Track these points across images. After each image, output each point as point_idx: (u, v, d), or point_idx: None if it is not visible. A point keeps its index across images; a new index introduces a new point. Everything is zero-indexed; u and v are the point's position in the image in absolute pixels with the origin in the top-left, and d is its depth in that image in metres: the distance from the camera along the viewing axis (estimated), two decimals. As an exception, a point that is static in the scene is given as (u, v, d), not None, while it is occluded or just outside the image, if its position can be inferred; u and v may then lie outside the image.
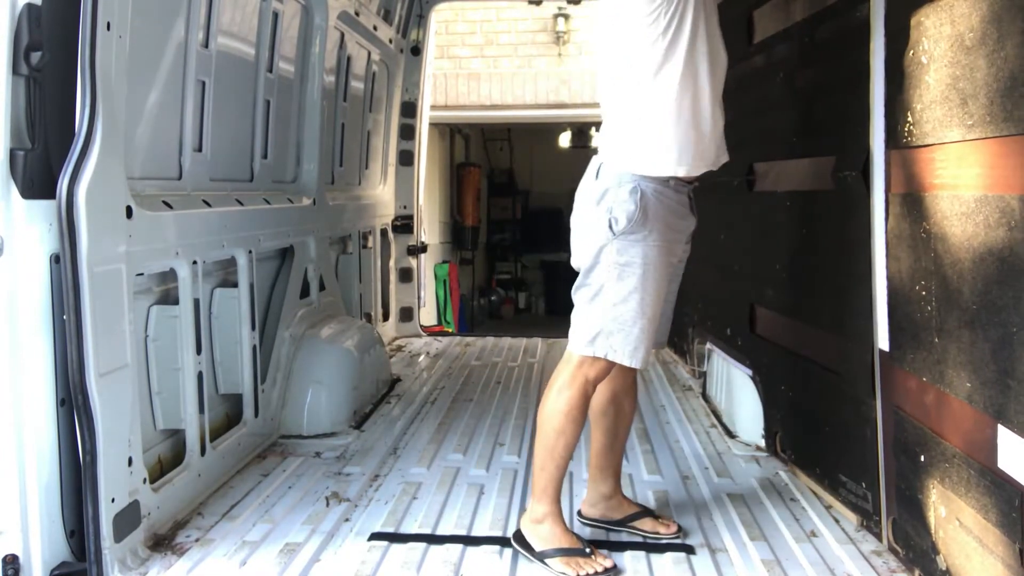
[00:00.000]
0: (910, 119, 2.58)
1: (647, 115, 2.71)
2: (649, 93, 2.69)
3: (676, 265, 2.91)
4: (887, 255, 2.74)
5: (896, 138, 2.67)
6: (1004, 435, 2.12)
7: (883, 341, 2.79)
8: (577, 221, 2.81)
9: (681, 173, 2.73)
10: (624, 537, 3.01)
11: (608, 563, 2.75)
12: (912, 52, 2.56)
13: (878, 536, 2.92)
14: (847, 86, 3.00)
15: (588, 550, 2.77)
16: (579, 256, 2.79)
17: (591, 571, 2.70)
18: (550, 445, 2.80)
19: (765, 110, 3.78)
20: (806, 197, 3.44)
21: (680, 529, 3.05)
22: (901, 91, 2.63)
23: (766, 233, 3.83)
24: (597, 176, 2.76)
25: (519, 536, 2.85)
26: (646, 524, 3.04)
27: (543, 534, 2.79)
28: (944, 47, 2.38)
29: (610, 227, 2.68)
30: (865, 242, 2.87)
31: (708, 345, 4.90)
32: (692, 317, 5.30)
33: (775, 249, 3.71)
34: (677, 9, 2.63)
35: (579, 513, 3.15)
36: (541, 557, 2.76)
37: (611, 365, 2.77)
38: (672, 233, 2.78)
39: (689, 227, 2.90)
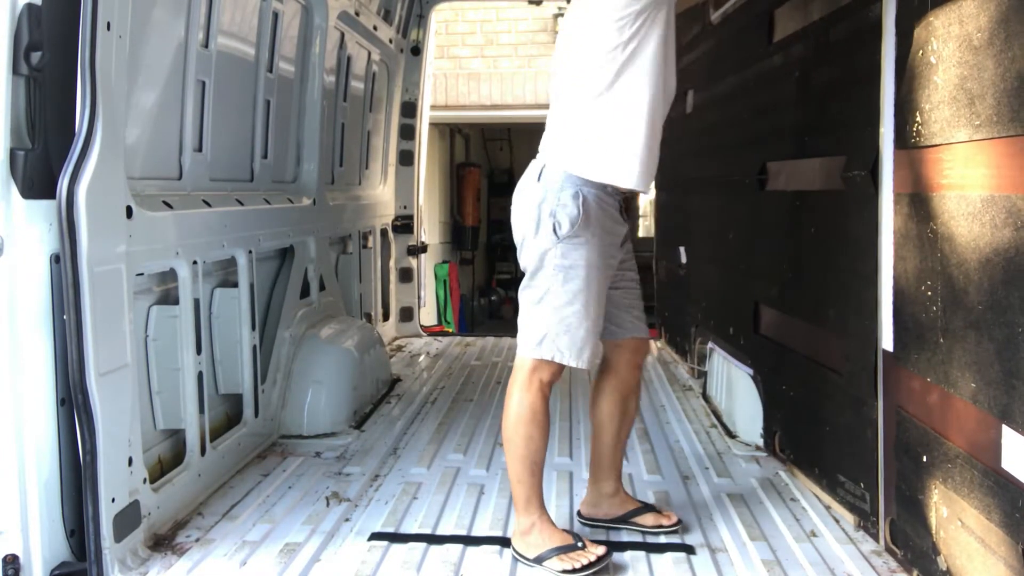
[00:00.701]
0: (918, 119, 2.57)
1: (598, 122, 2.74)
2: (603, 101, 2.72)
3: (615, 268, 2.92)
4: (894, 255, 2.73)
5: (905, 138, 2.67)
6: (1008, 435, 2.12)
7: (887, 341, 2.79)
8: (519, 223, 2.83)
9: (627, 183, 2.77)
10: (624, 537, 3.01)
11: (601, 550, 2.77)
12: (921, 52, 2.56)
13: (875, 536, 2.92)
14: (858, 86, 3.00)
15: (580, 543, 2.79)
16: (524, 258, 2.82)
17: (587, 561, 2.72)
18: (522, 454, 2.81)
19: (778, 109, 3.78)
20: (815, 197, 3.44)
21: (680, 521, 3.08)
22: (910, 91, 2.63)
23: (774, 232, 3.83)
24: (539, 179, 2.78)
25: (515, 552, 2.85)
26: (648, 519, 3.06)
27: (534, 542, 2.80)
28: (952, 47, 2.38)
29: (554, 231, 2.71)
30: (872, 242, 2.87)
31: (709, 344, 4.90)
32: (695, 316, 5.30)
33: (782, 248, 3.71)
34: (644, 23, 2.67)
35: (579, 514, 3.16)
36: (539, 561, 2.77)
37: (561, 367, 2.80)
38: (610, 237, 2.82)
39: (623, 231, 2.92)
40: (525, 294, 2.82)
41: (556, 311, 2.74)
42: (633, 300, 3.03)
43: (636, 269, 3.07)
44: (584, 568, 2.71)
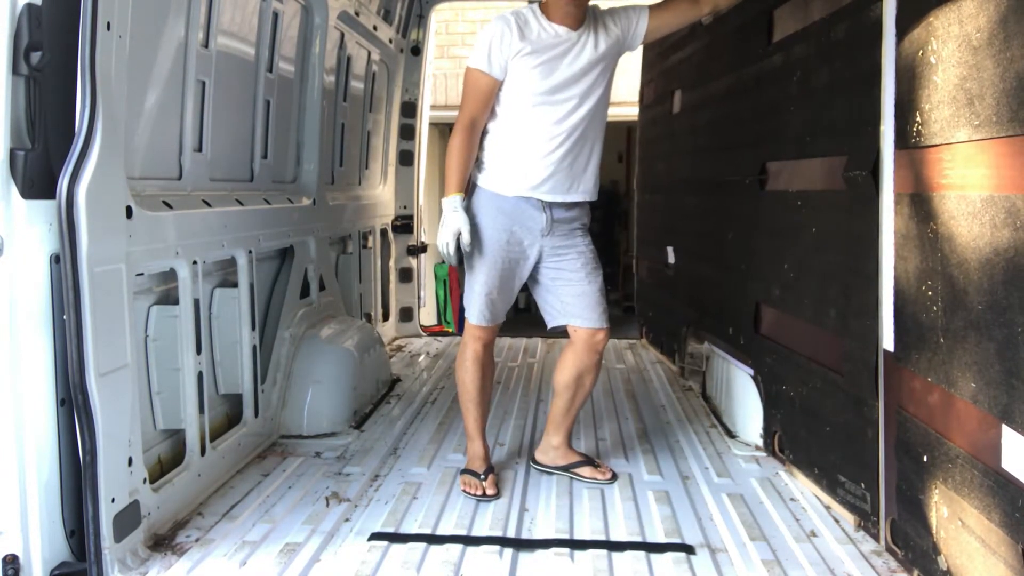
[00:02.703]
0: (919, 119, 2.57)
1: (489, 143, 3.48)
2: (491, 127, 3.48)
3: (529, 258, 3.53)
4: (895, 255, 2.73)
5: (905, 138, 2.67)
6: (1009, 436, 2.12)
7: (888, 341, 2.79)
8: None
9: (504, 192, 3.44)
10: (624, 537, 3.01)
11: (491, 491, 3.40)
12: (921, 52, 2.56)
13: (875, 536, 2.92)
14: (858, 86, 3.00)
15: (484, 477, 3.46)
16: None
17: (472, 491, 3.40)
18: (461, 394, 3.62)
19: (779, 109, 3.78)
20: (816, 197, 3.43)
21: (614, 475, 3.61)
22: (910, 91, 2.63)
23: (775, 233, 3.83)
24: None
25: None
26: (585, 471, 3.60)
27: (466, 452, 3.62)
28: (952, 47, 2.38)
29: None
30: (873, 242, 2.87)
31: (706, 344, 4.90)
32: (687, 316, 5.29)
33: (783, 249, 3.71)
34: (511, 87, 3.41)
35: (532, 459, 3.76)
36: (460, 470, 3.58)
37: (474, 325, 3.65)
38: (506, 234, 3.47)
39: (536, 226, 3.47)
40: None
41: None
42: (578, 284, 3.54)
43: (590, 265, 3.56)
44: (467, 493, 3.41)
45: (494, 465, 3.61)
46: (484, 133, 3.48)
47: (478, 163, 3.48)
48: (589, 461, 3.66)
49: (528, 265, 3.53)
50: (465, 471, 3.53)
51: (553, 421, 3.68)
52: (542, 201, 3.42)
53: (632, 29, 3.46)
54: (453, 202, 3.37)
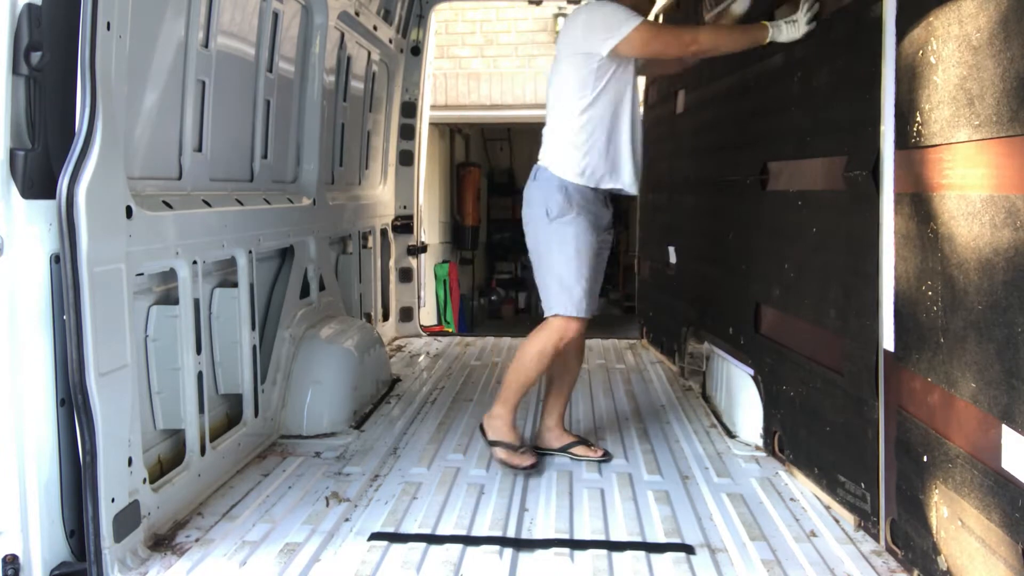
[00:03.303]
0: (919, 119, 2.57)
1: (575, 136, 3.56)
2: (579, 121, 3.55)
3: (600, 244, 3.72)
4: (895, 255, 2.73)
5: (905, 138, 2.67)
6: (1009, 436, 2.12)
7: (888, 341, 2.79)
8: (524, 213, 3.71)
9: (591, 184, 3.60)
10: (624, 537, 3.01)
11: (529, 460, 3.66)
12: (921, 52, 2.56)
13: (875, 537, 2.92)
14: (858, 86, 3.00)
15: (522, 448, 3.69)
16: (528, 239, 3.71)
17: (517, 463, 3.64)
18: (524, 379, 3.70)
19: (779, 109, 3.78)
20: (816, 197, 3.44)
21: (607, 454, 3.86)
22: (910, 91, 2.62)
23: (775, 232, 3.83)
24: (534, 178, 3.67)
25: (481, 426, 3.79)
26: (579, 451, 3.87)
27: (496, 428, 3.71)
28: (952, 47, 2.38)
29: (547, 215, 3.57)
30: (873, 242, 2.87)
31: (706, 344, 4.90)
32: (687, 316, 5.29)
33: (784, 249, 3.71)
34: (609, 77, 3.53)
35: (533, 445, 3.91)
36: (492, 444, 3.71)
37: (570, 318, 3.61)
38: (593, 218, 3.63)
39: (607, 216, 3.74)
40: (535, 268, 3.68)
41: (555, 276, 3.58)
42: (600, 274, 3.79)
43: (606, 259, 3.84)
44: (511, 466, 3.64)
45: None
46: (570, 121, 3.58)
47: (563, 153, 3.60)
48: (583, 441, 3.94)
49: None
50: (507, 444, 3.69)
51: (547, 405, 3.99)
52: (609, 195, 3.74)
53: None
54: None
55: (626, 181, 3.64)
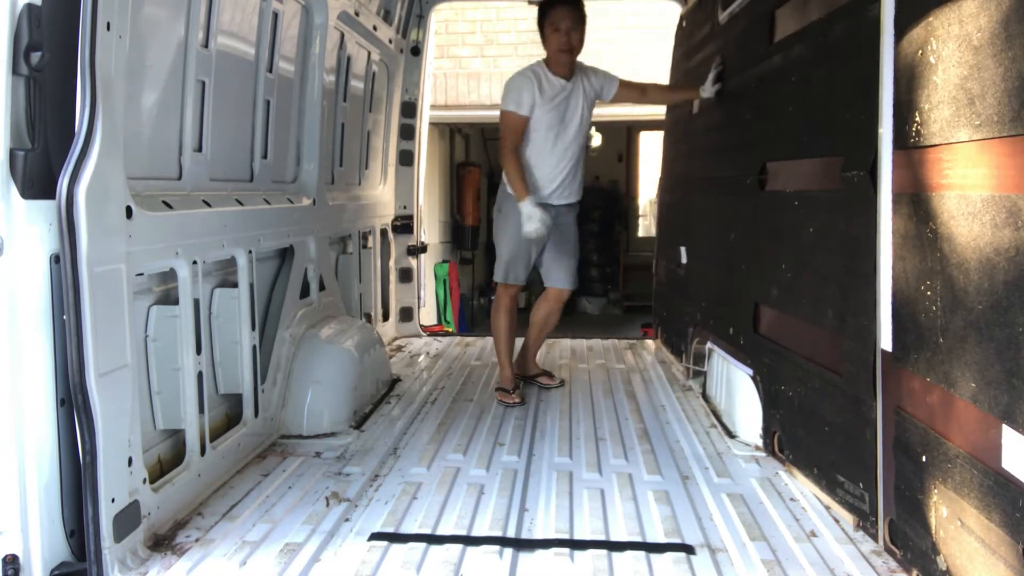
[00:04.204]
0: (918, 119, 2.57)
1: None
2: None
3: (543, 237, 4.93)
4: (893, 255, 2.73)
5: (904, 138, 2.66)
6: (1009, 435, 2.12)
7: (886, 341, 2.79)
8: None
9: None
10: (624, 537, 3.02)
11: (516, 399, 4.86)
12: (920, 52, 2.56)
13: (874, 537, 2.92)
14: (857, 86, 3.00)
15: (515, 390, 4.95)
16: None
17: (506, 401, 4.86)
18: (497, 334, 5.15)
19: (779, 109, 3.79)
20: (814, 197, 3.44)
21: (563, 383, 5.32)
22: (909, 91, 2.62)
23: (774, 233, 3.83)
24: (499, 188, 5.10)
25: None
26: (542, 379, 5.30)
27: (500, 377, 5.12)
28: (952, 47, 2.38)
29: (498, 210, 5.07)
30: (871, 242, 2.87)
31: (708, 344, 4.90)
32: (693, 317, 5.30)
33: (782, 249, 3.71)
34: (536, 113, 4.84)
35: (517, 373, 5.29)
36: (495, 387, 5.03)
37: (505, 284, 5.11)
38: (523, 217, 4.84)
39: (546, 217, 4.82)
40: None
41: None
42: (560, 259, 5.11)
43: (572, 241, 5.15)
44: (500, 401, 4.87)
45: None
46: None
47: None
48: (546, 372, 5.38)
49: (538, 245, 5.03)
50: (501, 389, 4.97)
51: (527, 343, 5.36)
52: (550, 204, 4.93)
53: (605, 88, 5.03)
54: (531, 202, 4.74)
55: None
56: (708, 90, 4.86)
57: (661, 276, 6.81)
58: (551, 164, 4.86)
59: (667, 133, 6.84)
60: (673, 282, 6.15)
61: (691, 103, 5.49)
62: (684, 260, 5.69)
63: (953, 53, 2.38)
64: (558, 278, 5.16)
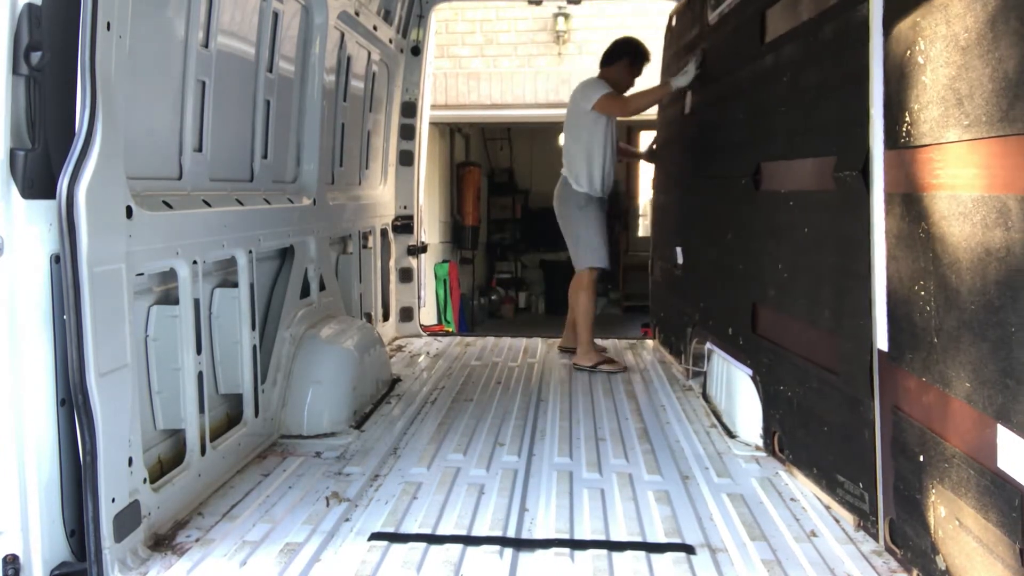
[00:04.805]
0: (908, 119, 2.58)
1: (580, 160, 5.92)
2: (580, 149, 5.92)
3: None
4: (887, 255, 2.74)
5: (895, 138, 2.67)
6: (1004, 435, 2.12)
7: (882, 341, 2.79)
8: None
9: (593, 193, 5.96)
10: (624, 537, 3.02)
11: (623, 365, 5.77)
12: (909, 52, 2.56)
13: (874, 536, 2.92)
14: (847, 86, 3.00)
15: (614, 358, 5.85)
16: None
17: (615, 369, 5.68)
18: (587, 315, 5.91)
19: (772, 110, 3.79)
20: (808, 197, 3.44)
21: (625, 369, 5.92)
22: (899, 91, 2.63)
23: (770, 233, 3.84)
24: (562, 183, 6.08)
25: (577, 366, 5.78)
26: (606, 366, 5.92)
27: (589, 357, 5.76)
28: (940, 47, 2.38)
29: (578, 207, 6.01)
30: (865, 242, 2.87)
31: (708, 345, 4.90)
32: (692, 317, 5.30)
33: (777, 249, 3.72)
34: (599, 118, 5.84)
35: (559, 347, 6.36)
36: (595, 366, 5.71)
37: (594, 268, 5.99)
38: (599, 211, 6.05)
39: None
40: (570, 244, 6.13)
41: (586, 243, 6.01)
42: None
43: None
44: (610, 372, 5.62)
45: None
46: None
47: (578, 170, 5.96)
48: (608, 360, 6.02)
49: None
50: (605, 360, 5.76)
51: (568, 324, 6.30)
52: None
53: None
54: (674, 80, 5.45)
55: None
56: (681, 80, 5.29)
57: (657, 277, 6.81)
58: (608, 161, 5.86)
59: (659, 133, 6.84)
60: (670, 283, 6.16)
61: (683, 104, 5.50)
62: (680, 260, 5.70)
63: (941, 53, 2.38)
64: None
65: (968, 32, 2.24)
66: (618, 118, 5.96)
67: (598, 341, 6.31)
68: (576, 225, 5.95)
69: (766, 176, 3.92)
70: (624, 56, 5.95)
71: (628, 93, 5.94)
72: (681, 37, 5.99)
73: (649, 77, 6.27)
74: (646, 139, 16.04)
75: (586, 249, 5.92)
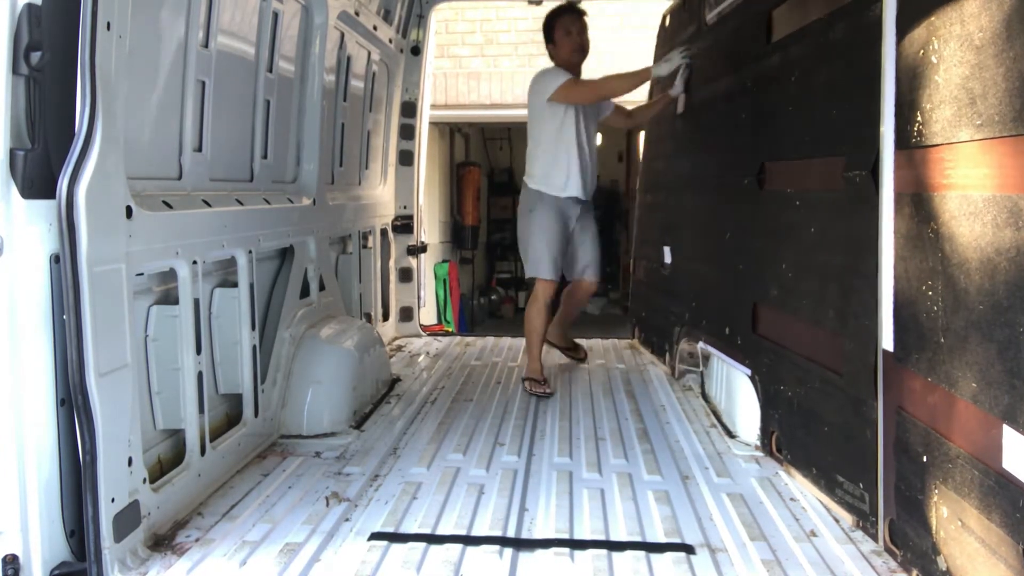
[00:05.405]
0: (919, 119, 2.57)
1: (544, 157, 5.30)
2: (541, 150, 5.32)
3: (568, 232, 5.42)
4: (895, 255, 2.73)
5: (905, 138, 2.66)
6: (1009, 436, 2.12)
7: (887, 341, 2.79)
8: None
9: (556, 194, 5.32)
10: (624, 537, 3.02)
11: (547, 389, 5.08)
12: (923, 52, 2.56)
13: (873, 537, 2.92)
14: (858, 86, 2.99)
15: (543, 381, 5.14)
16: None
17: (535, 391, 5.07)
18: (530, 330, 5.34)
19: (778, 109, 3.78)
20: (815, 197, 3.43)
21: (585, 356, 6.01)
22: (911, 91, 2.62)
23: (773, 233, 3.83)
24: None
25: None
26: (569, 353, 5.93)
27: (528, 368, 5.29)
28: (954, 46, 2.38)
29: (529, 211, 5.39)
30: (872, 243, 2.87)
31: (700, 344, 4.90)
32: (681, 317, 5.29)
33: (782, 249, 3.71)
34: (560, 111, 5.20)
35: (547, 340, 5.60)
36: (523, 378, 5.25)
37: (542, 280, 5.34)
38: (558, 214, 5.34)
39: (572, 214, 5.38)
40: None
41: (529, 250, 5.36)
42: (585, 255, 5.47)
43: (593, 238, 5.49)
44: (529, 391, 5.08)
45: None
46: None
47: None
48: (577, 347, 6.00)
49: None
50: (530, 379, 5.16)
51: (557, 322, 5.78)
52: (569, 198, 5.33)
53: (603, 105, 5.50)
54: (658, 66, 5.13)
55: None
56: (663, 68, 5.08)
57: (640, 276, 6.79)
58: (585, 157, 5.23)
59: (647, 132, 6.82)
60: (655, 282, 6.14)
61: (675, 104, 5.48)
62: (668, 260, 5.68)
63: (955, 52, 2.38)
64: (584, 271, 5.53)
65: (983, 31, 2.23)
66: (587, 104, 5.25)
67: (584, 341, 6.27)
68: (522, 229, 5.36)
69: (770, 176, 3.91)
70: (553, 27, 5.31)
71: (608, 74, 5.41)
72: (675, 36, 5.96)
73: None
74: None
75: (529, 258, 5.29)
